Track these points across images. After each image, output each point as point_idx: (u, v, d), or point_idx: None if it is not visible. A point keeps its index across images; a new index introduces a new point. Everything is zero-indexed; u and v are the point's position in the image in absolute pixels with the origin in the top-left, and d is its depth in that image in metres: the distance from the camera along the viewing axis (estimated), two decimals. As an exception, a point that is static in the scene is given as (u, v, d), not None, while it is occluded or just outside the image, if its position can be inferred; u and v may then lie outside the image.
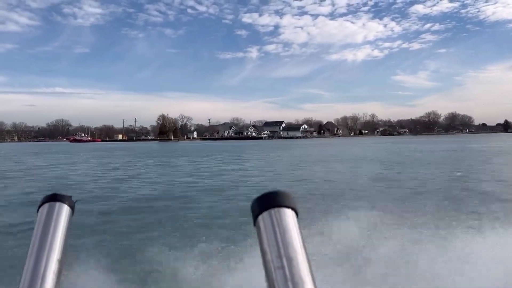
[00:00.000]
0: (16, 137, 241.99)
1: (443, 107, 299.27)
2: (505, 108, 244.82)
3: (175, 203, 13.24)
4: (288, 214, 0.59)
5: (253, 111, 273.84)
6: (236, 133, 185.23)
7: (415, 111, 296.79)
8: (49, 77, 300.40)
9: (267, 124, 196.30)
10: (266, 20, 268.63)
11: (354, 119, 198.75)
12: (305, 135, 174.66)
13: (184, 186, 18.04)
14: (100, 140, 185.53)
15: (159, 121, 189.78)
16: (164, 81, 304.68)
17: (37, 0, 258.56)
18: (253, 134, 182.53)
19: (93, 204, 13.25)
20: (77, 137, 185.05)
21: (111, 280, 6.03)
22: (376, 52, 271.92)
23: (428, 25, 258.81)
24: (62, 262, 0.68)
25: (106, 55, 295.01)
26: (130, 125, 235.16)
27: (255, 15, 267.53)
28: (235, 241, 7.56)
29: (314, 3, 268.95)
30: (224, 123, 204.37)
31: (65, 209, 0.74)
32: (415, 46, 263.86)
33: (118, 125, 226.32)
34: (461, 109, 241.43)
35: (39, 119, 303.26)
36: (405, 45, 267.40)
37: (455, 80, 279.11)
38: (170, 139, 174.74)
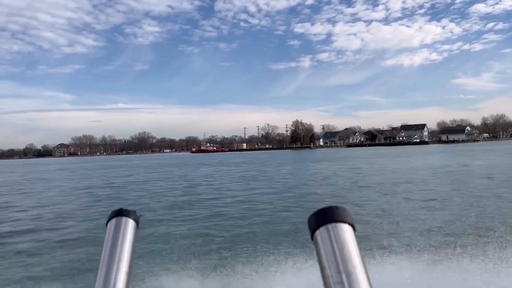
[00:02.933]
0: (104, 150, 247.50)
1: (509, 110, 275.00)
2: None
3: None
4: (346, 229, 0.59)
5: (307, 120, 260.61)
6: (385, 138, 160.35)
7: (478, 115, 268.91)
8: (112, 94, 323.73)
9: (405, 127, 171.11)
10: (318, 29, 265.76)
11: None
12: (471, 139, 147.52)
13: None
14: (227, 150, 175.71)
15: (292, 127, 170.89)
16: (219, 94, 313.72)
17: (102, 22, 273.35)
18: (402, 138, 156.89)
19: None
20: (202, 148, 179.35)
21: None
22: (434, 56, 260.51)
23: (490, 25, 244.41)
24: (129, 275, 0.70)
25: (164, 71, 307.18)
26: (212, 136, 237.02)
27: (307, 24, 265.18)
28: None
29: (367, 9, 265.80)
30: (347, 128, 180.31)
31: (131, 223, 0.77)
32: (477, 47, 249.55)
33: (200, 136, 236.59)
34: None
35: (104, 133, 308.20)
36: (466, 47, 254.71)
37: None
38: (307, 147, 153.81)
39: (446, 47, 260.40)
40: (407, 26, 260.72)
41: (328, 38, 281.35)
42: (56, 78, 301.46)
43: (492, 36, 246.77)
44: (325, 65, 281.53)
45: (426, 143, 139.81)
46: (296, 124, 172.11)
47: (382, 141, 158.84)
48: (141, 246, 9.24)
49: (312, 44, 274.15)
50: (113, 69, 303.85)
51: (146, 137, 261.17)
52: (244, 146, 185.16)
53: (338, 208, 0.61)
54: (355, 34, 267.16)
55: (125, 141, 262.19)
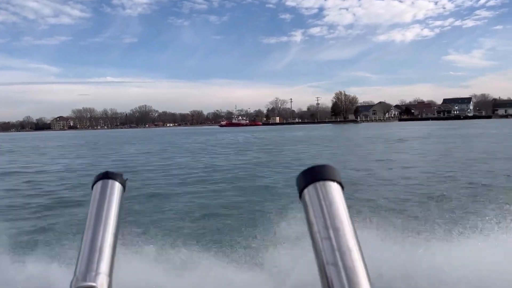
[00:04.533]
0: (104, 123, 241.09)
1: (500, 87, 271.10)
2: None
3: None
4: (334, 187, 0.59)
5: (298, 96, 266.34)
6: (439, 112, 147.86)
7: (468, 92, 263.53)
8: (100, 67, 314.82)
9: (447, 101, 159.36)
10: (310, 2, 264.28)
11: None
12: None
13: None
14: (260, 123, 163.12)
15: (333, 100, 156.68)
16: (210, 68, 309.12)
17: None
18: (457, 112, 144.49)
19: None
20: (234, 121, 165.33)
21: None
22: (426, 32, 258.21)
23: (482, 1, 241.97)
24: (116, 238, 0.70)
25: (153, 44, 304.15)
26: (217, 110, 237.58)
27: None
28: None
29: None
30: (380, 102, 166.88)
31: (117, 186, 0.77)
32: (469, 23, 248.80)
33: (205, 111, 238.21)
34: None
35: (91, 106, 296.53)
36: (457, 23, 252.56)
37: None
38: (352, 121, 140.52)
39: (438, 23, 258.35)
40: (400, 1, 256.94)
41: (320, 12, 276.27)
42: (42, 50, 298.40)
43: (484, 13, 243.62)
44: (317, 40, 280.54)
45: (489, 117, 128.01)
46: (339, 96, 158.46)
47: (436, 115, 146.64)
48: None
49: (303, 18, 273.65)
50: (101, 42, 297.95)
51: (146, 110, 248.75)
52: (277, 120, 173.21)
53: (326, 167, 0.60)
54: (347, 9, 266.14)
55: (126, 114, 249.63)
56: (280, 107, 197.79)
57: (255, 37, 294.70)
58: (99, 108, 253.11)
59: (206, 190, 13.08)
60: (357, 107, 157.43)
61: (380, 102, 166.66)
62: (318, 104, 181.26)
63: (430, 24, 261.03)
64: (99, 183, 0.77)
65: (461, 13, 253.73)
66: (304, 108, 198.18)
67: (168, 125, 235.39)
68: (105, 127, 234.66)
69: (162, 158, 26.14)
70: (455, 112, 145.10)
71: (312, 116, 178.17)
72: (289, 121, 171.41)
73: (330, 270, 0.52)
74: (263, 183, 14.13)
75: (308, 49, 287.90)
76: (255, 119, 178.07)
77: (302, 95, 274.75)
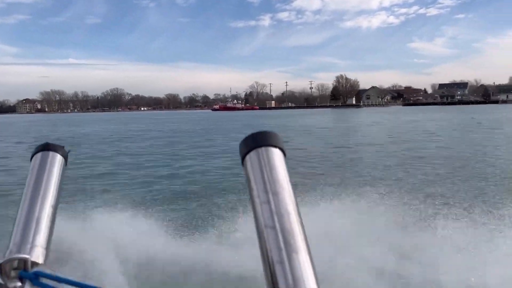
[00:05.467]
0: (74, 106, 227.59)
1: (460, 75, 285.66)
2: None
3: None
4: (276, 153, 0.59)
5: (267, 80, 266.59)
6: (442, 97, 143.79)
7: (431, 79, 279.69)
8: (62, 48, 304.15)
9: (443, 86, 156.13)
10: None
11: None
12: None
13: None
14: (258, 107, 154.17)
15: (333, 83, 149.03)
16: (177, 52, 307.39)
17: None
18: (461, 97, 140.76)
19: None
20: (228, 105, 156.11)
21: None
22: (391, 19, 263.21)
23: None
24: (55, 208, 0.69)
25: (118, 26, 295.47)
26: (193, 94, 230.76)
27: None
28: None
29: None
30: (373, 87, 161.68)
31: (58, 159, 0.75)
32: (432, 11, 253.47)
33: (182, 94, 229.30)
34: (480, 77, 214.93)
35: (52, 88, 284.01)
36: (422, 11, 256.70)
37: (473, 47, 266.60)
38: (354, 105, 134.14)
39: (403, 10, 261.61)
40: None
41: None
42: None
43: (447, 1, 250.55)
44: (285, 25, 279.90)
45: (496, 102, 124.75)
46: (339, 80, 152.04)
47: (439, 100, 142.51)
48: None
49: (272, 3, 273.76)
50: (63, 21, 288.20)
51: (118, 93, 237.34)
52: (273, 104, 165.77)
53: (268, 133, 0.60)
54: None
55: (98, 97, 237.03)
56: (261, 92, 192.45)
57: (223, 21, 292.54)
58: (69, 90, 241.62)
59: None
60: (358, 92, 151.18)
61: (373, 87, 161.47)
62: (311, 88, 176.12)
63: (396, 12, 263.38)
64: (39, 155, 0.74)
65: (425, 1, 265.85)
66: (278, 93, 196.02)
67: (142, 109, 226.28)
68: (75, 110, 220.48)
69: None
70: (458, 98, 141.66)
71: (306, 100, 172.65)
72: (284, 106, 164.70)
73: (268, 232, 0.52)
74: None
75: (276, 34, 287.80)
76: (245, 102, 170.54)
77: (271, 80, 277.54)
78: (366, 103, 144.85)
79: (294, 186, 0.57)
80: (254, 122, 52.43)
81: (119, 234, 5.73)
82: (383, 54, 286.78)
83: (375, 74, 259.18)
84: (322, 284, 0.47)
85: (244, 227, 5.66)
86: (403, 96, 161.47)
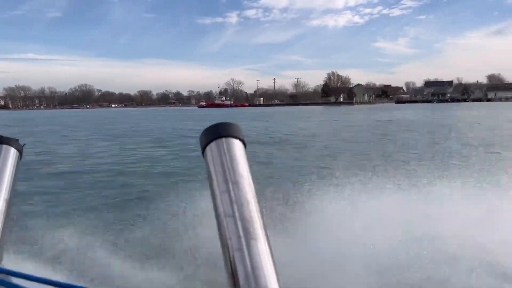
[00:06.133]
0: (40, 103, 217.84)
1: (422, 75, 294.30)
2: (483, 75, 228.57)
3: None
4: (236, 144, 0.59)
5: (235, 78, 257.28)
6: (433, 95, 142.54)
7: (394, 78, 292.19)
8: (21, 43, 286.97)
9: (430, 84, 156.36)
10: None
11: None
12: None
13: None
14: (247, 104, 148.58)
15: (325, 80, 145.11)
16: (144, 48, 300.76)
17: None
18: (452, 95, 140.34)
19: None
20: (216, 101, 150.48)
21: None
22: (357, 18, 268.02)
23: None
24: (10, 203, 0.68)
25: (81, 20, 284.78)
26: (166, 91, 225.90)
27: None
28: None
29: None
30: (359, 84, 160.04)
31: (12, 152, 0.73)
32: (396, 12, 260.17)
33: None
34: (441, 77, 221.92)
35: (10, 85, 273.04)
36: (385, 11, 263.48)
37: (434, 47, 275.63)
38: (346, 102, 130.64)
39: (367, 10, 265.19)
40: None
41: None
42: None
43: (409, 2, 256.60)
44: (252, 23, 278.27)
45: (489, 100, 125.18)
46: (331, 76, 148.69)
47: (430, 97, 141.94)
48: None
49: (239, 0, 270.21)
50: (21, 15, 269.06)
51: (87, 89, 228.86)
52: (261, 101, 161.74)
53: (228, 124, 0.61)
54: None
55: (66, 93, 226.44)
56: (237, 88, 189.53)
57: (190, 17, 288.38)
58: (35, 86, 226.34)
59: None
60: (351, 89, 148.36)
61: (358, 84, 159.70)
62: (296, 85, 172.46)
63: (361, 11, 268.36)
64: None
65: (388, 1, 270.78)
66: (250, 91, 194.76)
67: (113, 105, 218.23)
68: (42, 107, 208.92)
69: None
70: (448, 95, 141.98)
71: (293, 97, 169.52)
72: (274, 103, 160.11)
73: (228, 221, 0.52)
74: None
75: (244, 31, 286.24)
76: (230, 99, 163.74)
77: (239, 78, 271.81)
78: (362, 101, 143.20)
79: (254, 176, 0.57)
80: (275, 126, 40.95)
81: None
82: (348, 53, 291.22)
83: (341, 73, 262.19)
84: (280, 271, 0.47)
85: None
86: (387, 94, 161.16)
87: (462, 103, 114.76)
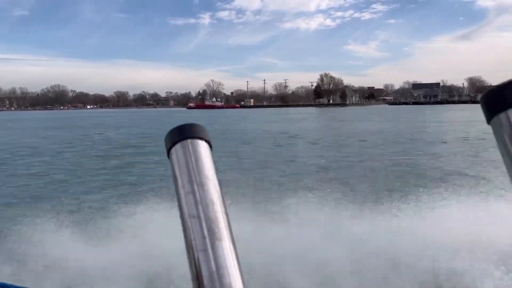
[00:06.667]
0: (11, 104, 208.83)
1: (392, 77, 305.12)
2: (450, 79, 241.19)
3: None
4: (202, 145, 0.59)
5: (206, 79, 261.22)
6: (425, 96, 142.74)
7: (366, 80, 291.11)
8: None
9: (417, 86, 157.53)
10: None
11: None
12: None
13: None
14: (239, 106, 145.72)
15: (317, 82, 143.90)
16: (115, 48, 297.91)
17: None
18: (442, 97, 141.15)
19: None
20: (207, 103, 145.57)
21: None
22: (328, 22, 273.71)
23: None
24: None
25: (49, 19, 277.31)
26: (143, 92, 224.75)
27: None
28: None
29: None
30: (346, 86, 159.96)
31: None
32: (366, 16, 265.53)
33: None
34: (410, 80, 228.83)
35: None
36: (356, 15, 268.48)
37: (404, 51, 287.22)
38: (339, 104, 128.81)
39: (339, 14, 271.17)
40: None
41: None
42: None
43: (379, 7, 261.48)
44: (225, 24, 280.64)
45: (476, 102, 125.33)
46: (323, 78, 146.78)
47: (422, 99, 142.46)
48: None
49: (212, 1, 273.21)
50: None
51: (60, 90, 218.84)
52: (252, 102, 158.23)
53: (194, 125, 0.61)
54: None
55: (38, 94, 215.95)
56: (216, 90, 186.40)
57: (162, 18, 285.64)
58: (4, 86, 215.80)
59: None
60: (344, 90, 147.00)
61: (346, 86, 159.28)
62: (286, 86, 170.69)
63: (332, 15, 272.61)
64: None
65: (359, 5, 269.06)
66: (227, 92, 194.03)
67: (88, 107, 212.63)
68: (12, 108, 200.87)
69: None
70: (439, 97, 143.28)
71: (282, 99, 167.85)
72: (265, 105, 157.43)
73: (192, 222, 0.52)
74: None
75: (216, 32, 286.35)
76: (224, 101, 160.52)
77: (213, 79, 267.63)
78: (352, 102, 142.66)
79: (220, 177, 0.57)
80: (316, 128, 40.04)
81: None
82: (321, 55, 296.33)
83: (314, 75, 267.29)
84: (246, 271, 0.47)
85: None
86: (374, 96, 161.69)
87: (455, 105, 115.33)
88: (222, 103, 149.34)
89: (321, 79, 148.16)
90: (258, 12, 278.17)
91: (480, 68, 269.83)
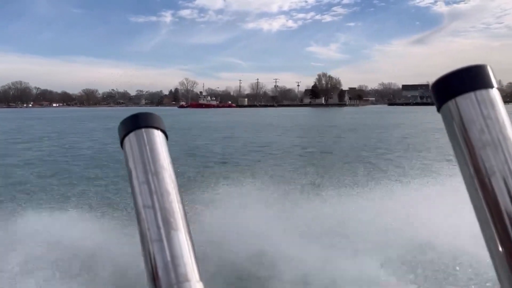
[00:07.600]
0: None
1: (352, 79, 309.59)
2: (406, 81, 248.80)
3: None
4: (157, 135, 0.58)
5: (168, 78, 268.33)
6: (421, 98, 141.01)
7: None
8: None
9: (407, 88, 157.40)
10: None
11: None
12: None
13: None
14: (235, 105, 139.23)
15: (315, 81, 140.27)
16: (71, 45, 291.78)
17: None
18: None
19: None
20: (201, 101, 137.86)
21: None
22: (290, 23, 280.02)
23: None
24: None
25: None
26: (112, 90, 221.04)
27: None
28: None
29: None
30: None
31: None
32: (327, 18, 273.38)
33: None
34: (369, 82, 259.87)
35: None
36: (318, 17, 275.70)
37: (363, 53, 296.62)
38: (337, 104, 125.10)
39: (301, 15, 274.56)
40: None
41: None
42: None
43: (340, 10, 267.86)
44: (187, 23, 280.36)
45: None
46: (320, 77, 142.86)
47: (419, 100, 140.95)
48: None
49: None
50: None
51: (23, 87, 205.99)
52: (246, 102, 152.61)
53: (149, 114, 0.60)
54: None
55: None
56: (191, 90, 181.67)
57: (122, 15, 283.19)
58: None
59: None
60: (341, 90, 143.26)
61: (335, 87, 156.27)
62: (276, 86, 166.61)
63: (294, 16, 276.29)
64: None
65: (321, 8, 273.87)
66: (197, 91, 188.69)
67: (54, 105, 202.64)
68: None
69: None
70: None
71: (273, 99, 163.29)
72: (260, 104, 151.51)
73: (147, 212, 0.52)
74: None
75: (178, 31, 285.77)
76: (216, 99, 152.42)
77: (173, 78, 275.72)
78: (346, 103, 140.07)
79: (176, 167, 0.56)
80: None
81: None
82: (283, 56, 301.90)
83: (276, 76, 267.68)
84: (201, 261, 0.47)
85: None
86: (360, 97, 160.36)
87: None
88: (217, 102, 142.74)
89: (319, 79, 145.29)
90: (220, 11, 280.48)
91: (433, 72, 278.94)
